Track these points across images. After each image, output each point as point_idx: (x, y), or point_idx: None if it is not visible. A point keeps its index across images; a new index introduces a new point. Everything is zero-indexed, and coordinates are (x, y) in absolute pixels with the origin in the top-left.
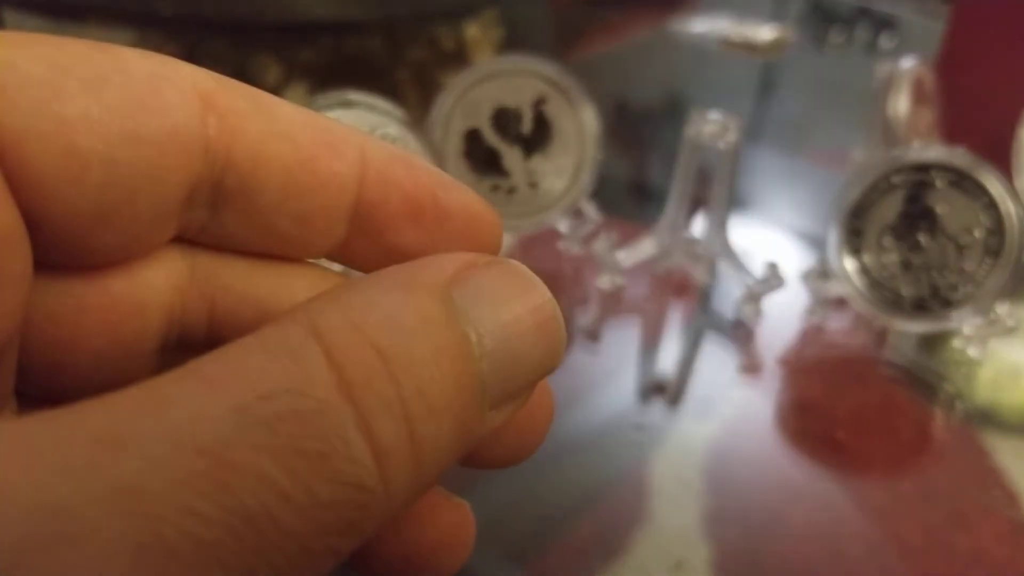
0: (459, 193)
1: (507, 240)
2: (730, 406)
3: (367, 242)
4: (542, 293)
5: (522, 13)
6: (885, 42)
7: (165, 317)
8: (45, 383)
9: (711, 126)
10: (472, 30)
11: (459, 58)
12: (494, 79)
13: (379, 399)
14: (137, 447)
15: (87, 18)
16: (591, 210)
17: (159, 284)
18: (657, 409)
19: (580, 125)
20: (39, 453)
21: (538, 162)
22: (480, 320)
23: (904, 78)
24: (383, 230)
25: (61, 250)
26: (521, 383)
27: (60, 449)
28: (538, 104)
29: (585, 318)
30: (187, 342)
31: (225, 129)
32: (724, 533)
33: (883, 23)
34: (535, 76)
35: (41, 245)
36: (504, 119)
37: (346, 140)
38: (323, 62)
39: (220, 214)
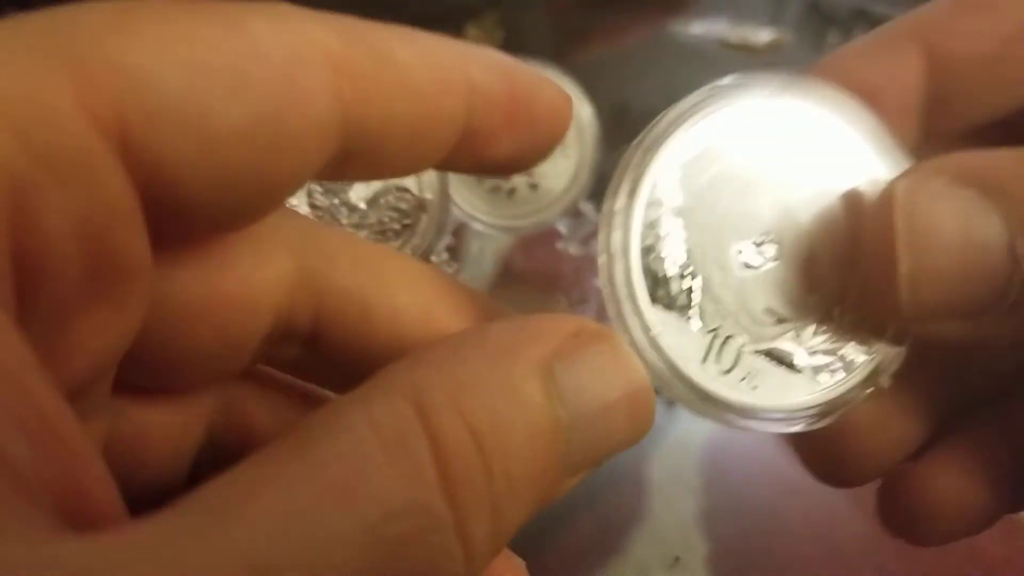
0: (549, 94)
1: (507, 240)
2: None
3: (465, 156)
4: (640, 379)
5: (522, 16)
6: None
7: (273, 316)
8: (146, 378)
9: None
10: (472, 32)
11: None
12: None
13: (475, 497)
14: None
15: None
16: (591, 210)
17: (270, 286)
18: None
19: (580, 126)
20: None
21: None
22: (576, 403)
23: None
24: (483, 146)
25: (182, 237)
26: (602, 457)
27: None
28: None
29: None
30: (291, 336)
31: (358, 99)
32: (722, 530)
33: (880, 25)
34: None
35: (167, 240)
36: None
37: (456, 71)
38: None
39: (343, 168)
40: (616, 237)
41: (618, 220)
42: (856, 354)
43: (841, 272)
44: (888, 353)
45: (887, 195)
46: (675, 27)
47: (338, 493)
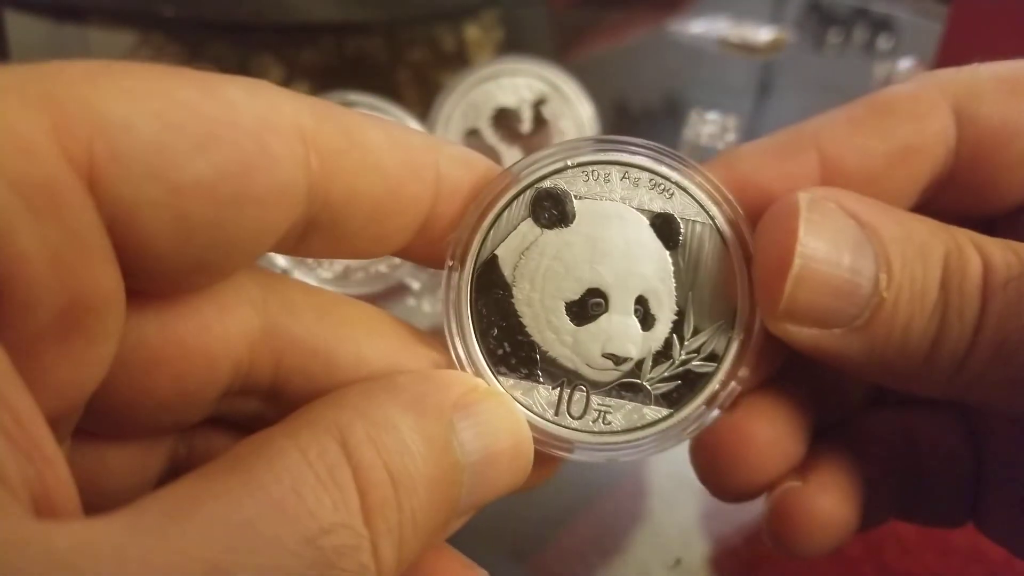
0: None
1: None
2: None
3: (425, 243)
4: (524, 430)
5: (522, 14)
6: (883, 43)
7: (233, 370)
8: (100, 425)
9: (710, 126)
10: (472, 31)
11: (459, 58)
12: (494, 80)
13: (386, 524)
14: None
15: (89, 19)
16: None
17: (231, 339)
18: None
19: (580, 125)
20: (157, 573)
21: None
22: (472, 451)
23: (902, 78)
24: (444, 233)
25: (146, 288)
26: (487, 501)
27: (173, 574)
28: (538, 104)
29: None
30: (250, 390)
31: (325, 171)
32: (723, 531)
33: (881, 24)
34: (535, 77)
35: (129, 288)
36: (504, 119)
37: (425, 159)
38: (324, 63)
39: (305, 241)
40: (452, 323)
41: (452, 310)
42: (698, 376)
43: (681, 297)
44: (728, 375)
45: (791, 203)
46: (675, 26)
47: (279, 508)
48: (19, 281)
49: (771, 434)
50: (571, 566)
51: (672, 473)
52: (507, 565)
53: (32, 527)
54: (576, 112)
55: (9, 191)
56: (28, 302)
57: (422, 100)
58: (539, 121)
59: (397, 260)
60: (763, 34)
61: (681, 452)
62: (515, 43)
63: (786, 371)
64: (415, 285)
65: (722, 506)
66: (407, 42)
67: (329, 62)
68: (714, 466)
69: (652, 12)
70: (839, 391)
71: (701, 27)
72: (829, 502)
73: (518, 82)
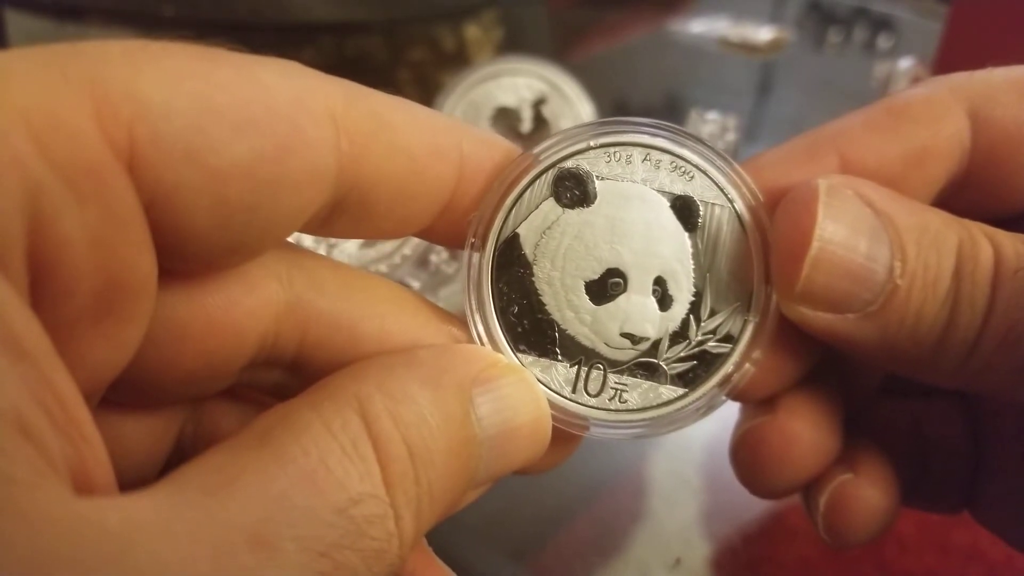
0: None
1: None
2: (729, 404)
3: (447, 223)
4: (543, 406)
5: (522, 14)
6: (883, 42)
7: (258, 343)
8: (125, 395)
9: (710, 126)
10: (472, 30)
11: (459, 58)
12: (494, 79)
13: (405, 497)
14: (282, 553)
15: (89, 18)
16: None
17: (257, 313)
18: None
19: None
20: (205, 545)
21: None
22: (490, 426)
23: (902, 78)
24: (466, 213)
25: (179, 268)
26: (503, 474)
27: (220, 547)
28: (537, 104)
29: None
30: (274, 362)
31: (355, 154)
32: (723, 531)
33: (881, 23)
34: (535, 76)
35: (160, 267)
36: (504, 119)
37: (449, 140)
38: (324, 62)
39: (331, 221)
40: (472, 300)
41: (473, 288)
42: (713, 357)
43: (699, 278)
44: (743, 357)
45: (811, 187)
46: (675, 26)
47: (310, 479)
48: (61, 265)
49: (814, 434)
50: (571, 566)
51: (672, 472)
52: (507, 565)
53: (81, 506)
54: (576, 112)
55: (54, 176)
56: (68, 285)
57: (422, 100)
58: (539, 121)
59: (397, 260)
60: (763, 34)
61: (682, 451)
62: (515, 43)
63: (817, 368)
64: (415, 285)
65: (722, 506)
66: (407, 42)
67: (329, 62)
68: (758, 467)
69: (652, 12)
70: (859, 382)
71: (701, 27)
72: (879, 491)
73: (518, 82)
